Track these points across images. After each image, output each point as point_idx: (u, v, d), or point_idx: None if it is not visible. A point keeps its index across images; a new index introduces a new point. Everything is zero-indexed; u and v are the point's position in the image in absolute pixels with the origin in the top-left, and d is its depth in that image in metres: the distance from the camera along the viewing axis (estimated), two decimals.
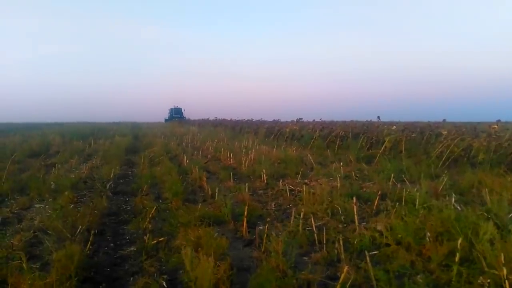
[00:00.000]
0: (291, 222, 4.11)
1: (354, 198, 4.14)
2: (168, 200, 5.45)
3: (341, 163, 7.85)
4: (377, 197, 4.83)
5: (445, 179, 5.69)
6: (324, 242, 3.51)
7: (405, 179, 6.20)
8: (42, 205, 5.26)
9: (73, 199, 5.45)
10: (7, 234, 4.01)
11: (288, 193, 5.76)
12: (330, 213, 4.60)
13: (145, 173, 7.46)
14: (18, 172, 7.64)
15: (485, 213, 3.92)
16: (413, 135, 10.55)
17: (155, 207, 4.56)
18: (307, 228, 3.98)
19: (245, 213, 4.02)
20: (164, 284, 2.86)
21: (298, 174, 7.18)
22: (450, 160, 8.17)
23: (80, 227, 3.82)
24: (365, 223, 4.25)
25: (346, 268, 2.48)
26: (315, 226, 3.87)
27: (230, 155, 9.64)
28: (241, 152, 10.11)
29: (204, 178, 6.55)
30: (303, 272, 2.96)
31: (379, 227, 3.79)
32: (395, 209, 4.20)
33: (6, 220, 4.58)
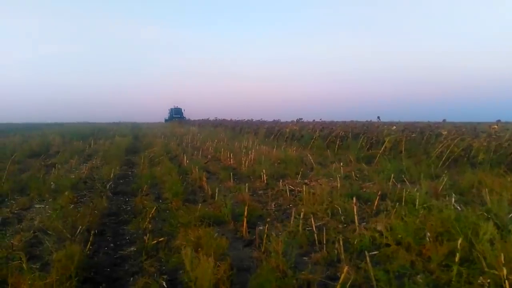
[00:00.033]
0: (291, 222, 4.11)
1: (354, 198, 4.14)
2: (168, 200, 5.45)
3: (341, 163, 7.84)
4: (377, 197, 4.83)
5: (445, 179, 5.69)
6: (324, 242, 3.51)
7: (405, 179, 6.20)
8: (42, 205, 5.26)
9: (73, 199, 5.45)
10: (7, 234, 4.01)
11: (288, 193, 5.76)
12: (330, 213, 4.60)
13: (145, 173, 7.46)
14: (18, 172, 7.64)
15: (485, 213, 3.92)
16: (413, 135, 10.55)
17: (155, 207, 4.56)
18: (307, 228, 3.98)
19: (245, 213, 4.02)
20: (164, 284, 2.86)
21: (298, 174, 7.18)
22: (450, 160, 8.17)
23: (80, 227, 3.82)
24: (365, 223, 4.25)
25: (346, 268, 2.48)
26: (315, 226, 3.87)
27: (230, 155, 9.64)
28: (241, 152, 10.11)
29: (204, 178, 6.55)
30: (303, 272, 2.96)
31: (379, 227, 3.79)
32: (395, 209, 4.20)
33: (6, 220, 4.58)
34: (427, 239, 3.30)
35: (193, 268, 2.71)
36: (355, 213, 3.93)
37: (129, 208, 5.26)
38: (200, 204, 4.90)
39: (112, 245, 3.81)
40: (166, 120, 56.96)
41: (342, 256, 3.22)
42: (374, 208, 4.72)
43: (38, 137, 17.49)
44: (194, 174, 7.33)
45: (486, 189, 4.79)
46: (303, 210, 4.19)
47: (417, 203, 4.39)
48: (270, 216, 4.73)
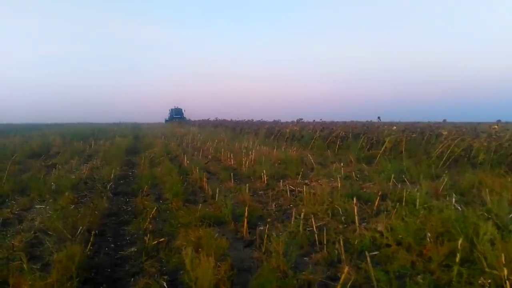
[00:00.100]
0: (292, 222, 4.11)
1: (355, 199, 4.14)
2: (168, 200, 5.45)
3: (342, 164, 7.84)
4: (378, 198, 4.83)
5: (446, 180, 5.69)
6: (325, 242, 3.51)
7: (405, 179, 6.20)
8: (43, 206, 5.26)
9: (73, 200, 5.45)
10: (8, 235, 4.02)
11: (288, 194, 5.76)
12: (330, 214, 4.60)
13: (145, 173, 7.46)
14: (18, 173, 7.65)
15: (485, 214, 3.92)
16: (414, 135, 10.55)
17: (155, 208, 4.56)
18: (308, 229, 3.98)
19: (246, 213, 4.03)
20: (165, 284, 2.87)
21: (299, 175, 7.18)
22: (450, 160, 8.17)
23: (81, 227, 3.82)
24: (365, 223, 4.25)
25: (346, 269, 2.48)
26: (316, 227, 3.88)
27: (230, 155, 9.65)
28: (242, 153, 10.11)
29: (205, 179, 6.55)
30: (303, 272, 2.96)
31: (379, 228, 3.79)
32: (395, 210, 4.20)
33: (7, 221, 4.58)
34: (428, 239, 3.30)
35: (194, 268, 2.71)
36: (356, 213, 3.93)
37: (130, 208, 5.26)
38: (200, 205, 4.90)
39: (112, 245, 3.81)
40: (166, 121, 56.95)
41: (343, 257, 3.22)
42: (375, 208, 4.72)
43: (38, 137, 17.50)
44: (194, 175, 7.33)
45: (487, 189, 4.79)
46: (303, 210, 4.19)
47: (417, 203, 4.39)
48: (270, 217, 4.73)
